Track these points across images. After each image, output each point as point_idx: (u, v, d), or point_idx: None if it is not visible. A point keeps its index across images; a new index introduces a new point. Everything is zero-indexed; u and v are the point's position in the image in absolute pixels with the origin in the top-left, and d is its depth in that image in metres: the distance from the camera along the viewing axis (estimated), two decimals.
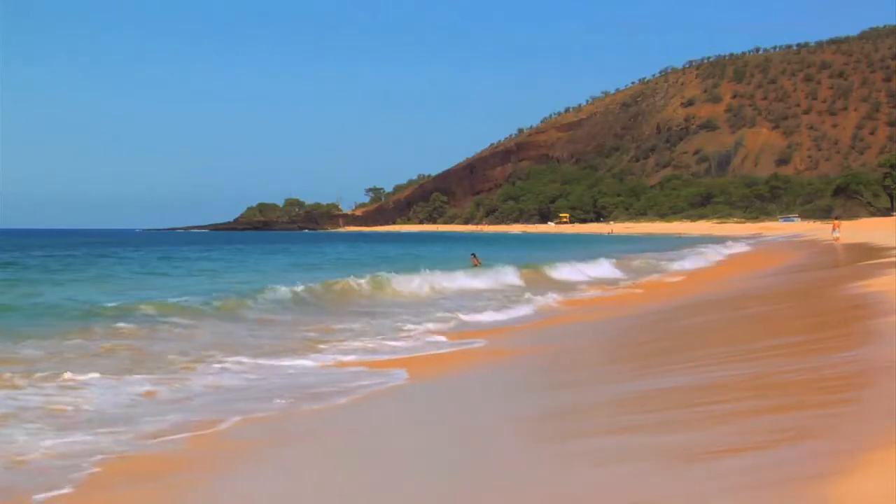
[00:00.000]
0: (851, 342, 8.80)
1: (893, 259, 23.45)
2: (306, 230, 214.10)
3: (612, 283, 28.05)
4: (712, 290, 21.90)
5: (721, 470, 4.87)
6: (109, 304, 18.15)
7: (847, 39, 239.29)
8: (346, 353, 13.00)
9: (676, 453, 5.42)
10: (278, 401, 9.29)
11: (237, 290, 22.25)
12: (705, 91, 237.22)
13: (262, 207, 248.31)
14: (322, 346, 13.58)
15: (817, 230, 79.54)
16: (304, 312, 18.81)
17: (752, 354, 9.20)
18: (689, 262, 38.44)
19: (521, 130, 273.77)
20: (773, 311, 14.66)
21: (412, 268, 28.56)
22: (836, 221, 51.18)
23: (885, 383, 6.35)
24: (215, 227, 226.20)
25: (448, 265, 31.47)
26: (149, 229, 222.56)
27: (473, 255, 40.80)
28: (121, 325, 15.52)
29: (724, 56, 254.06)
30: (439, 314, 18.56)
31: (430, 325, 16.60)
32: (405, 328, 16.18)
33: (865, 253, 29.89)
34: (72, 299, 20.24)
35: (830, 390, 6.54)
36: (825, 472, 4.37)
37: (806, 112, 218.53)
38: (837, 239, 46.06)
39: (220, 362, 11.79)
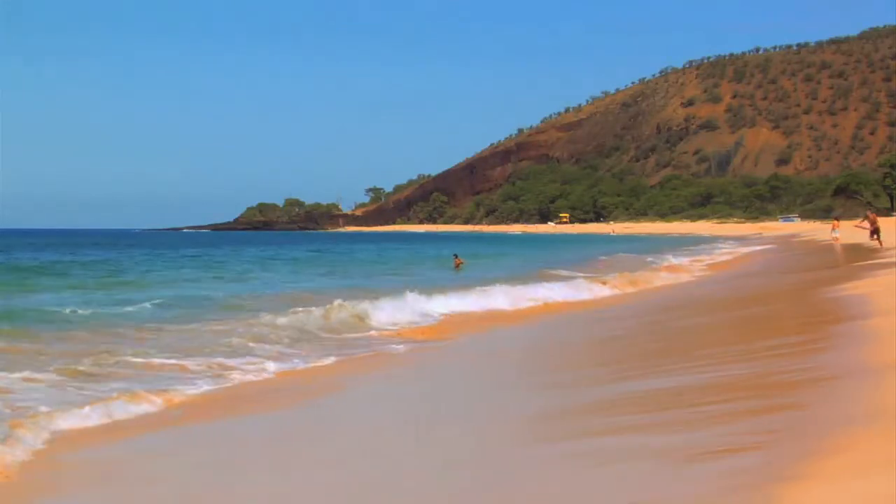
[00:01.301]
0: (831, 345, 8.86)
1: (884, 261, 23.50)
2: (307, 230, 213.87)
3: None
4: (707, 291, 21.97)
5: (721, 470, 4.88)
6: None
7: (847, 39, 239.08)
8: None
9: (676, 453, 5.40)
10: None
11: None
12: (705, 91, 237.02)
13: (262, 207, 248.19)
14: None
15: (816, 230, 79.57)
16: None
17: (748, 355, 9.21)
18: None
19: (521, 130, 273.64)
20: (764, 313, 14.71)
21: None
22: (835, 221, 51.15)
23: (863, 385, 6.40)
24: (215, 227, 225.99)
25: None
26: (148, 229, 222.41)
27: (455, 255, 39.90)
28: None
29: (724, 56, 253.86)
30: None
31: None
32: None
33: (861, 254, 29.90)
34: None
35: (822, 391, 6.59)
36: (821, 470, 4.43)
37: (806, 112, 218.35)
38: (837, 239, 46.04)
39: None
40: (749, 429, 5.77)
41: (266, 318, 16.75)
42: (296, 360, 12.67)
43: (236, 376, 11.27)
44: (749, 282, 24.06)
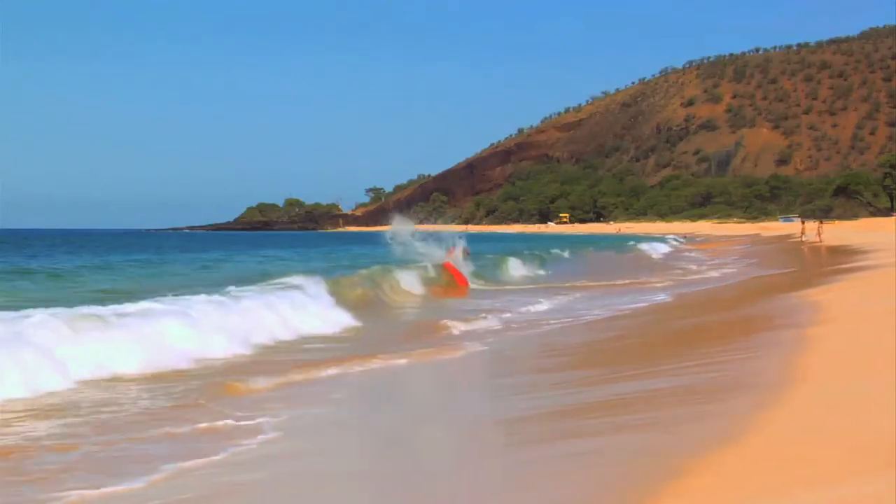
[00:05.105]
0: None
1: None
2: (307, 230, 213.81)
3: None
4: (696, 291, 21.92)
5: (720, 469, 4.83)
6: None
7: (847, 39, 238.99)
8: None
9: (675, 453, 5.39)
10: None
11: None
12: (705, 91, 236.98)
13: (262, 207, 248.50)
14: None
15: (813, 230, 79.73)
16: None
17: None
18: None
19: (521, 130, 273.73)
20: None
21: None
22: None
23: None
24: (216, 228, 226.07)
25: None
26: (148, 229, 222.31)
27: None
28: None
29: (724, 56, 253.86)
30: None
31: None
32: None
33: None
34: None
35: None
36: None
37: (806, 112, 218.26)
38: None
39: None
40: (748, 427, 5.67)
41: None
42: None
43: None
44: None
